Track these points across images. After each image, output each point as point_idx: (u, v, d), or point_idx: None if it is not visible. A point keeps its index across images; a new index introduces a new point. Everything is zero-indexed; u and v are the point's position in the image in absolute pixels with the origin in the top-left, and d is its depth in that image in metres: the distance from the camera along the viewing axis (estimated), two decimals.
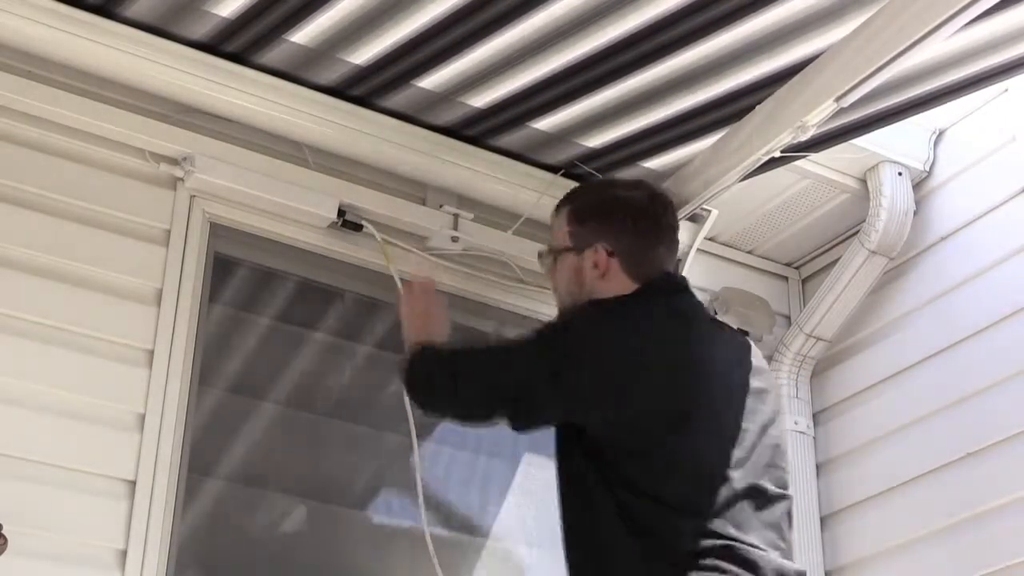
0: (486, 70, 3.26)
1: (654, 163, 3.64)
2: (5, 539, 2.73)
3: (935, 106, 3.35)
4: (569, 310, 2.76)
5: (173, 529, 3.06)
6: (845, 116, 3.24)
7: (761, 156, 3.13)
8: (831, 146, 3.45)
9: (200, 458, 3.20)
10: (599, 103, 3.37)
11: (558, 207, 2.91)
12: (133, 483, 3.01)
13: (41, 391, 2.99)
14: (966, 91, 3.27)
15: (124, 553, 2.95)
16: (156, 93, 3.30)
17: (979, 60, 3.12)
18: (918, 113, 3.39)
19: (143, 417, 3.07)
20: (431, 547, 3.31)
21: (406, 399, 3.23)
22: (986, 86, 3.29)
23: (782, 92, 3.14)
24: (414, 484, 3.36)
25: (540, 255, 2.97)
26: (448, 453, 3.62)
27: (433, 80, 3.32)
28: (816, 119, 3.01)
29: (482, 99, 3.40)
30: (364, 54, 3.24)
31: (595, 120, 3.45)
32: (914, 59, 2.88)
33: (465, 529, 3.56)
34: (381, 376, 3.52)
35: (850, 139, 3.49)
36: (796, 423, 3.98)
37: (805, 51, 3.09)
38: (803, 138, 2.99)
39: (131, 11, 3.14)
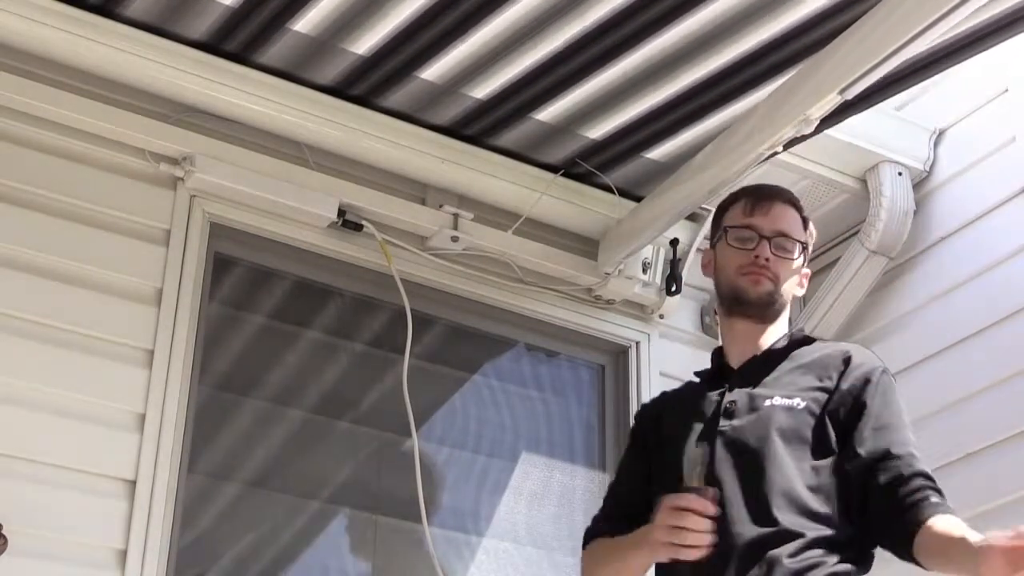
0: (487, 55, 3.25)
1: (656, 153, 3.62)
2: (5, 539, 2.73)
3: (931, 74, 3.26)
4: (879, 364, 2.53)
5: (173, 529, 3.06)
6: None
7: (764, 151, 3.11)
8: (835, 122, 3.32)
9: (200, 458, 3.21)
10: (601, 84, 3.33)
11: (790, 201, 2.56)
12: (133, 483, 3.02)
13: (41, 391, 2.99)
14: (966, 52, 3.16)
15: (124, 553, 2.95)
16: (156, 93, 3.30)
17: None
18: (917, 82, 3.29)
19: (143, 417, 3.07)
20: (431, 547, 3.31)
21: (406, 396, 3.22)
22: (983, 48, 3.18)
23: (784, 86, 3.12)
24: (414, 484, 3.36)
25: (795, 238, 2.51)
26: (448, 453, 3.62)
27: (433, 71, 3.31)
28: (819, 112, 2.97)
29: (483, 89, 3.38)
30: (365, 43, 3.22)
31: (597, 105, 3.42)
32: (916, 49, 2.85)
33: (465, 529, 3.55)
34: (381, 375, 3.51)
35: (852, 115, 3.40)
36: None
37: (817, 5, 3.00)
38: (807, 131, 2.96)
39: (131, 10, 3.14)
